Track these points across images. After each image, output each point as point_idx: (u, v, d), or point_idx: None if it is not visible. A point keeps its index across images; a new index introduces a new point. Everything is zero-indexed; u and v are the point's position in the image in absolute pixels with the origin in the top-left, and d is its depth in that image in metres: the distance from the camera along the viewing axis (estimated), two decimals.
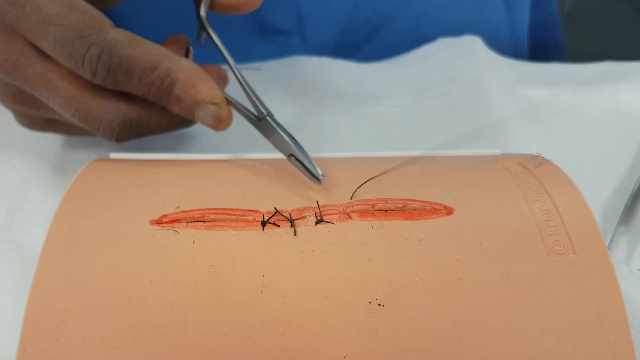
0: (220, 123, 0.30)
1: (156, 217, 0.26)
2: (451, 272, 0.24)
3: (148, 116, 0.32)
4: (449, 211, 0.26)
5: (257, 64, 0.47)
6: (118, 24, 0.30)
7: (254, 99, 0.31)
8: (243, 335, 0.22)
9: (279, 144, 0.29)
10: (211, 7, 0.32)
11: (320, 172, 0.27)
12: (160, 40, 0.33)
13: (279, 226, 0.25)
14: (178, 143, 0.40)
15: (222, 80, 0.35)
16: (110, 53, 0.28)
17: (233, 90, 0.33)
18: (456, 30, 0.48)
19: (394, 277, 0.24)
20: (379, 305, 0.23)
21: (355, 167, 0.30)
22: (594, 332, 0.23)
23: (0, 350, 0.28)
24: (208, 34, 0.32)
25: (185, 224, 0.25)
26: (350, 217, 0.26)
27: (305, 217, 0.26)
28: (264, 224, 0.25)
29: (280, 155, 0.29)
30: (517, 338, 0.23)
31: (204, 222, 0.25)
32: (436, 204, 0.27)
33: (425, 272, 0.24)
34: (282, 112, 0.42)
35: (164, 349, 0.22)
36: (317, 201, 0.26)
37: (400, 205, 0.27)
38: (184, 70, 0.29)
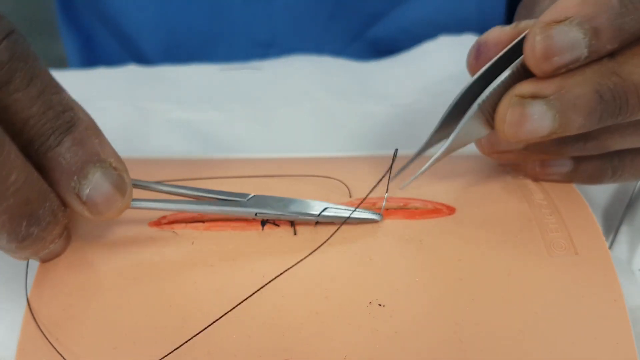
0: (121, 196, 0.22)
1: (155, 219, 0.26)
2: (452, 272, 0.24)
3: None
4: (451, 211, 0.26)
5: (257, 64, 0.47)
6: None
7: None
8: (243, 335, 0.22)
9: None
10: None
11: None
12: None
13: (278, 226, 0.25)
14: (178, 143, 0.40)
15: None
16: (20, 37, 0.21)
17: None
18: (454, 28, 0.49)
19: (394, 277, 0.24)
20: (380, 305, 0.23)
21: (355, 167, 0.30)
22: (595, 332, 0.23)
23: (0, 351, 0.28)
24: None
25: (184, 224, 0.25)
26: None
27: None
28: (263, 223, 0.25)
29: (279, 155, 0.29)
30: (518, 338, 0.22)
31: (203, 222, 0.25)
32: (438, 203, 0.27)
33: (426, 272, 0.24)
34: (282, 112, 0.42)
35: (163, 349, 0.22)
36: None
37: (402, 204, 0.27)
38: (86, 114, 0.23)
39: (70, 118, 0.22)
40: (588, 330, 0.23)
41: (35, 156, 0.21)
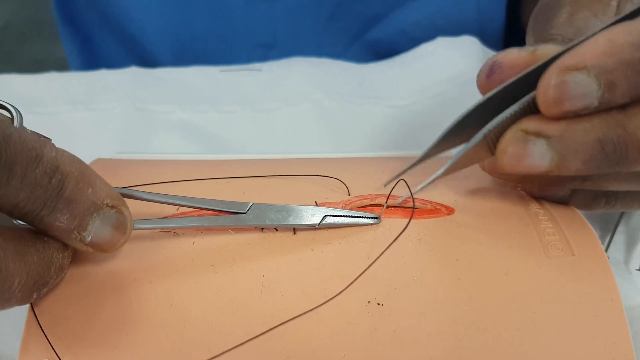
0: (122, 234, 0.22)
1: None
2: (450, 272, 0.24)
3: None
4: (450, 211, 0.26)
5: (257, 65, 0.47)
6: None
7: None
8: (243, 334, 0.22)
9: None
10: None
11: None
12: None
13: (277, 230, 0.25)
14: (179, 144, 0.40)
15: None
16: None
17: None
18: (452, 31, 0.49)
19: (393, 276, 0.24)
20: (378, 304, 0.23)
21: (354, 167, 0.30)
22: (592, 332, 0.23)
23: (2, 349, 0.28)
24: None
25: None
26: None
27: None
28: None
29: (277, 155, 0.29)
30: (515, 337, 0.23)
31: None
32: (437, 203, 0.27)
33: (424, 271, 0.24)
34: (282, 112, 0.42)
35: (164, 348, 0.22)
36: (315, 202, 0.27)
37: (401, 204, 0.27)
38: (72, 162, 0.21)
39: (58, 182, 0.20)
40: (585, 330, 0.23)
41: (31, 223, 0.21)
